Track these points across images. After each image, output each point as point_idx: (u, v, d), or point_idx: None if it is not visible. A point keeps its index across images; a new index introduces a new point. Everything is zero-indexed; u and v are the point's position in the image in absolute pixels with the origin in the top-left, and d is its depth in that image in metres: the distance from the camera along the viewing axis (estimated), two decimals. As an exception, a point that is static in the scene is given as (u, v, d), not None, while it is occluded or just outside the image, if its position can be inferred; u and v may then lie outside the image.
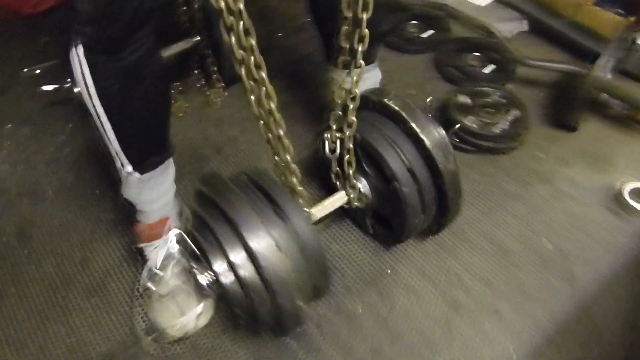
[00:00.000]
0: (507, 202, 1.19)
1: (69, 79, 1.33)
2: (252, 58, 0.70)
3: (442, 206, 0.94)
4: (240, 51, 0.69)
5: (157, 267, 0.99)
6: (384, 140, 0.90)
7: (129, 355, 1.01)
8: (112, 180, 1.28)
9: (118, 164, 0.93)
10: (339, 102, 0.89)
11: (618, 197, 1.16)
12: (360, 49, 0.79)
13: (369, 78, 1.18)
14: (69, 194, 1.30)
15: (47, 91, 1.51)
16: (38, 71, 1.43)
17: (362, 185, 0.98)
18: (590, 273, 1.06)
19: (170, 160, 1.01)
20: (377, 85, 1.22)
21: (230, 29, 0.67)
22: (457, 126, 1.24)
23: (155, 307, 0.99)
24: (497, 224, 1.15)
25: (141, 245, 1.04)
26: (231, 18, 0.66)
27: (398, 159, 0.90)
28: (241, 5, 0.65)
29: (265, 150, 0.86)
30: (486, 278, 1.06)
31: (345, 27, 0.79)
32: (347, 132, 0.90)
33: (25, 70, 1.46)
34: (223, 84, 1.43)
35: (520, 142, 1.28)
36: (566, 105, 1.27)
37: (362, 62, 0.82)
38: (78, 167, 1.36)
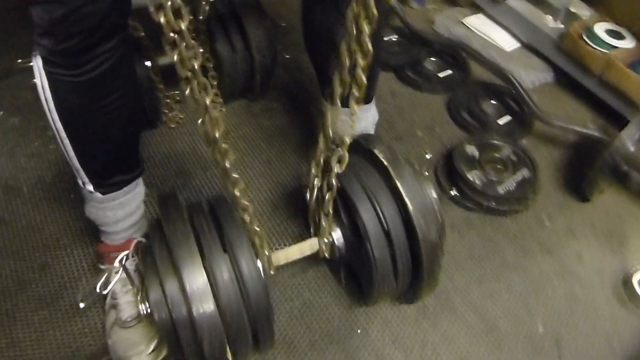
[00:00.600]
0: (503, 272, 1.08)
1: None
2: (196, 81, 0.61)
3: (418, 277, 0.84)
4: (186, 70, 0.60)
5: (115, 294, 0.92)
6: (364, 195, 0.81)
7: (65, 382, 0.93)
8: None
9: (79, 181, 0.87)
10: (323, 148, 0.80)
11: (627, 284, 1.04)
12: (357, 93, 0.70)
13: (364, 119, 1.08)
14: (44, 193, 1.24)
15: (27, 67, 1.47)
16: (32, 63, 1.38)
17: (337, 237, 0.89)
18: (584, 367, 0.95)
19: (139, 181, 0.93)
20: (373, 127, 1.13)
21: (173, 46, 0.58)
22: (452, 192, 1.15)
23: (115, 333, 0.92)
24: (488, 295, 1.04)
25: (103, 267, 0.96)
26: (173, 35, 0.57)
27: (375, 219, 0.80)
28: (183, 26, 0.56)
29: (252, 176, 0.76)
30: (465, 357, 0.95)
31: (338, 69, 0.70)
32: (326, 182, 0.81)
33: (20, 61, 1.41)
34: (221, 100, 1.36)
35: (526, 206, 1.17)
36: (582, 172, 1.16)
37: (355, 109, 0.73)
38: (59, 167, 1.29)
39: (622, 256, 1.11)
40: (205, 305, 0.69)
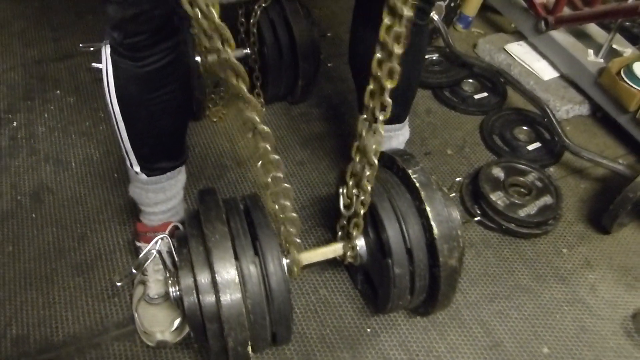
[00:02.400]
0: (515, 292, 1.11)
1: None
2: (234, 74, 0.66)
3: (432, 296, 0.88)
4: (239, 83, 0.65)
5: (146, 271, 0.99)
6: (393, 213, 0.86)
7: (92, 344, 1.00)
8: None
9: (127, 162, 0.94)
10: (358, 162, 0.85)
11: (636, 318, 1.05)
12: (381, 117, 0.74)
13: (396, 137, 1.13)
14: (90, 169, 1.33)
15: (89, 52, 1.57)
16: (92, 48, 1.48)
17: (360, 245, 0.94)
18: (584, 395, 0.97)
19: (182, 168, 1.01)
20: (402, 145, 1.17)
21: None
22: (475, 219, 1.18)
23: (141, 308, 0.99)
24: (497, 313, 1.07)
25: (139, 244, 1.04)
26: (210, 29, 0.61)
27: (400, 237, 0.85)
28: (216, 18, 0.59)
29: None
30: (469, 367, 0.99)
31: (370, 87, 0.74)
32: (362, 198, 0.86)
33: (81, 45, 1.51)
34: (262, 100, 1.43)
35: (545, 232, 1.19)
36: (605, 205, 1.18)
37: (381, 132, 0.77)
38: (105, 147, 1.39)
39: (635, 291, 1.12)
40: (234, 304, 0.75)
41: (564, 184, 1.31)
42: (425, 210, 0.85)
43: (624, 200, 1.11)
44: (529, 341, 1.03)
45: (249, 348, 0.80)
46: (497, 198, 1.20)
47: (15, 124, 1.43)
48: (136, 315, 1.01)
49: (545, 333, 1.05)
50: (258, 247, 0.82)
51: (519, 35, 1.68)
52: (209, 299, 0.78)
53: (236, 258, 0.79)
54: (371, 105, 0.75)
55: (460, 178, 1.30)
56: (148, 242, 1.02)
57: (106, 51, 0.80)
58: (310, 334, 1.03)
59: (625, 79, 1.33)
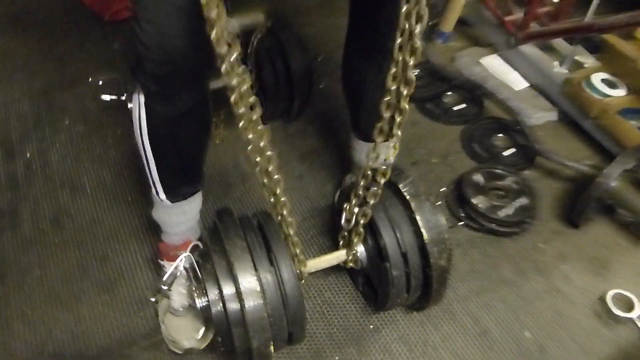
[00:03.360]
0: (500, 286, 1.25)
1: (125, 94, 1.48)
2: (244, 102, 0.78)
3: (426, 293, 1.02)
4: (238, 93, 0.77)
5: (170, 286, 1.10)
6: (388, 222, 0.99)
7: (123, 355, 1.11)
8: (143, 191, 1.42)
9: (153, 191, 1.05)
10: (362, 182, 0.98)
11: (603, 303, 1.20)
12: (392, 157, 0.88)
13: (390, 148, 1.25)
14: (104, 193, 1.44)
15: (100, 87, 1.67)
16: (101, 82, 1.58)
17: (360, 251, 1.07)
18: (562, 372, 1.11)
19: (200, 192, 1.12)
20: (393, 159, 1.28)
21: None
22: (460, 223, 1.32)
23: (167, 320, 1.11)
24: (485, 306, 1.21)
25: (162, 262, 1.15)
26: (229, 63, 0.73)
27: (395, 243, 0.99)
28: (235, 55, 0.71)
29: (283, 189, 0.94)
30: (461, 356, 1.12)
31: (386, 99, 0.85)
32: (364, 213, 0.99)
33: (90, 79, 1.62)
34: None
35: (523, 230, 1.33)
36: (574, 203, 1.32)
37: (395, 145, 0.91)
38: (117, 171, 1.49)
39: (603, 278, 1.27)
40: (256, 309, 0.87)
41: (538, 185, 1.45)
42: (415, 218, 0.98)
43: (588, 198, 1.25)
44: (512, 327, 1.17)
45: (271, 347, 0.92)
46: (479, 201, 1.33)
47: (28, 154, 1.53)
48: (163, 326, 1.12)
49: (526, 319, 1.19)
50: (273, 258, 0.94)
51: (494, 49, 1.82)
52: (234, 306, 0.90)
53: (255, 269, 0.91)
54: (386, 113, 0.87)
55: (444, 188, 1.43)
56: (170, 259, 1.14)
57: (140, 99, 0.91)
58: (320, 333, 1.15)
59: (586, 88, 1.48)
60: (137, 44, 0.82)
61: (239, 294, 0.89)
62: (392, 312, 1.18)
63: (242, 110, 0.78)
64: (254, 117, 0.80)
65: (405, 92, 0.82)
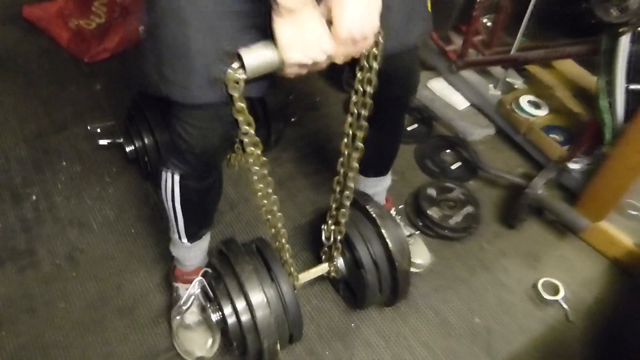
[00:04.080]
0: (454, 282, 1.53)
1: (121, 138, 1.67)
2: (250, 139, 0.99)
3: (395, 291, 1.28)
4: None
5: (186, 305, 1.32)
6: (360, 238, 1.25)
7: (149, 368, 1.33)
8: (146, 222, 1.62)
9: (176, 236, 1.26)
10: (334, 205, 1.23)
11: (535, 288, 1.50)
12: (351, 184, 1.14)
13: (380, 184, 1.47)
14: (110, 228, 1.63)
15: (98, 133, 1.85)
16: (99, 130, 1.77)
17: (340, 263, 1.32)
18: (506, 347, 1.40)
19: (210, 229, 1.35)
20: (384, 191, 1.50)
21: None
22: (416, 232, 1.58)
23: (180, 333, 1.33)
24: (443, 300, 1.48)
25: (176, 284, 1.37)
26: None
27: (368, 254, 1.25)
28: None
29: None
30: (427, 343, 1.39)
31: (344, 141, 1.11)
32: (339, 233, 1.25)
33: (89, 127, 1.79)
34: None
35: (470, 234, 1.61)
36: (509, 208, 1.61)
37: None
38: (119, 207, 1.68)
39: (535, 269, 1.57)
40: (265, 317, 1.12)
41: (481, 194, 1.74)
42: (382, 233, 1.25)
43: (519, 205, 1.54)
44: (465, 315, 1.45)
45: (278, 346, 1.17)
46: (433, 212, 1.61)
47: (34, 197, 1.69)
48: (176, 340, 1.34)
49: (476, 308, 1.47)
50: (273, 276, 1.18)
51: (438, 72, 2.09)
52: (246, 317, 1.14)
53: (261, 286, 1.15)
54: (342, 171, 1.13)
55: (402, 205, 1.69)
56: (184, 282, 1.36)
57: (174, 178, 1.10)
58: (311, 334, 1.40)
59: (515, 109, 1.77)
60: (179, 141, 1.01)
61: (249, 306, 1.13)
62: (369, 311, 1.44)
63: (250, 148, 1.01)
64: (252, 131, 0.99)
65: (360, 135, 1.08)
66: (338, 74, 1.97)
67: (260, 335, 1.13)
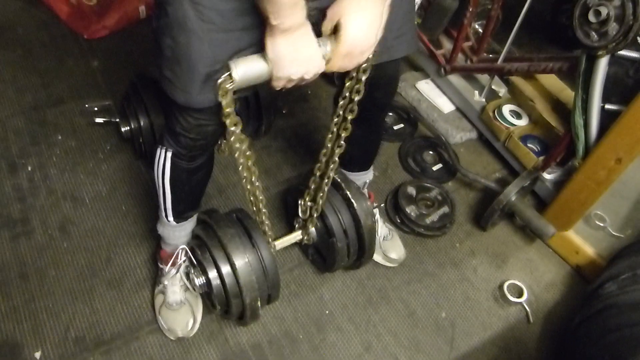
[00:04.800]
0: (424, 277, 1.63)
1: (117, 117, 1.73)
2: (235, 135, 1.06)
3: (362, 250, 1.42)
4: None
5: (170, 284, 1.41)
6: (331, 208, 1.37)
7: (133, 337, 1.41)
8: (137, 201, 1.70)
9: (162, 214, 1.33)
10: (312, 186, 1.34)
11: (501, 289, 1.60)
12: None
13: (362, 179, 1.55)
14: (101, 204, 1.70)
15: (94, 111, 1.91)
16: (96, 108, 1.82)
17: (312, 231, 1.45)
18: (467, 341, 1.51)
19: (197, 214, 1.42)
20: (365, 185, 1.58)
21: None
22: (397, 220, 1.68)
23: (163, 312, 1.41)
24: (413, 293, 1.58)
25: (161, 266, 1.44)
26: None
27: (338, 222, 1.37)
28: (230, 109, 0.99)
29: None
30: (394, 331, 1.49)
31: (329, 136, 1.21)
32: (315, 209, 1.36)
33: (87, 105, 1.85)
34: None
35: (444, 233, 1.71)
36: (483, 211, 1.70)
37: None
38: (111, 183, 1.75)
39: (502, 270, 1.67)
40: (247, 276, 1.22)
41: (457, 195, 1.84)
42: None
43: (492, 210, 1.64)
44: (432, 309, 1.55)
45: (259, 303, 1.27)
46: (411, 210, 1.70)
47: (30, 168, 1.75)
48: (160, 318, 1.43)
49: (443, 303, 1.57)
50: (253, 240, 1.27)
51: (426, 74, 2.17)
52: (230, 278, 1.23)
53: (242, 249, 1.24)
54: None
55: (383, 204, 1.78)
56: (169, 264, 1.43)
57: (167, 155, 1.17)
58: (287, 317, 1.49)
59: (497, 117, 1.86)
60: (176, 125, 1.09)
61: (232, 268, 1.22)
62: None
63: (236, 145, 1.09)
64: (238, 130, 1.05)
65: (343, 135, 1.17)
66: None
67: (243, 293, 1.22)
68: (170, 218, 1.32)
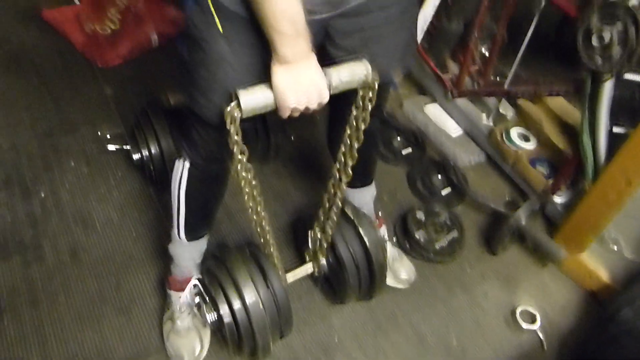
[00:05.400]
0: (435, 302, 1.61)
1: (128, 144, 1.76)
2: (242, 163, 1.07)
3: (372, 284, 1.41)
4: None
5: (178, 310, 1.41)
6: (343, 242, 1.37)
7: (141, 365, 1.41)
8: (147, 227, 1.71)
9: (175, 231, 1.34)
10: (322, 217, 1.33)
11: (513, 315, 1.57)
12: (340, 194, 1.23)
13: (366, 193, 1.57)
14: (112, 229, 1.71)
15: (107, 138, 1.94)
16: (108, 135, 1.86)
17: (323, 262, 1.44)
18: (479, 369, 1.48)
19: (208, 234, 1.42)
20: (371, 201, 1.59)
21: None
22: (406, 245, 1.67)
23: (172, 338, 1.41)
24: (423, 318, 1.56)
25: (169, 291, 1.44)
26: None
27: (350, 257, 1.36)
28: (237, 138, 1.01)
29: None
30: (405, 358, 1.47)
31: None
32: (326, 240, 1.35)
33: (100, 132, 1.88)
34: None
35: (454, 257, 1.70)
36: (493, 235, 1.69)
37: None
38: (122, 209, 1.77)
39: (514, 295, 1.65)
40: (259, 314, 1.21)
41: (467, 219, 1.82)
42: (359, 231, 1.36)
43: (502, 234, 1.62)
44: (443, 335, 1.53)
45: (271, 340, 1.26)
46: (420, 235, 1.69)
47: (42, 194, 1.78)
48: (168, 344, 1.42)
49: (454, 329, 1.55)
50: (265, 276, 1.26)
51: (434, 97, 2.18)
52: (242, 316, 1.22)
53: (255, 287, 1.24)
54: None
55: (391, 225, 1.78)
56: (177, 290, 1.43)
57: (185, 165, 1.21)
58: (296, 345, 1.47)
59: (505, 140, 1.86)
60: (196, 138, 1.15)
61: (245, 307, 1.22)
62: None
63: (242, 174, 1.09)
64: (244, 159, 1.06)
65: (350, 163, 1.17)
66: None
67: (255, 331, 1.22)
68: (182, 235, 1.33)
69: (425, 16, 1.99)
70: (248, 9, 0.89)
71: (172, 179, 1.26)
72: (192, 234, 1.35)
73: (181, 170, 1.23)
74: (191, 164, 1.21)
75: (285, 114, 0.95)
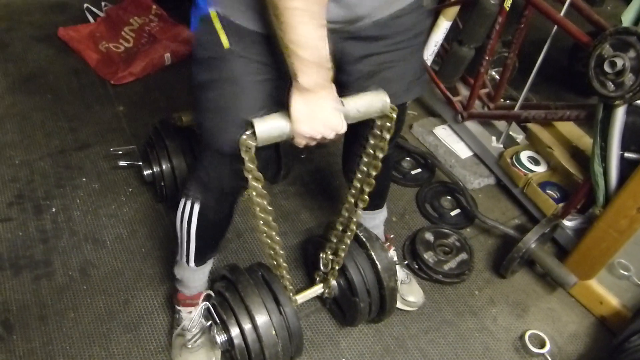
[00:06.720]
0: (442, 326, 1.60)
1: (140, 160, 1.77)
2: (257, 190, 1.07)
3: (383, 309, 1.41)
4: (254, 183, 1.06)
5: (189, 327, 1.40)
6: (355, 266, 1.37)
7: (148, 384, 1.41)
8: (156, 243, 1.71)
9: (183, 259, 1.34)
10: (334, 240, 1.33)
11: (522, 339, 1.56)
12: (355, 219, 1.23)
13: (378, 217, 1.57)
14: (122, 246, 1.72)
15: (119, 155, 1.96)
16: (120, 152, 1.88)
17: (333, 284, 1.44)
18: (487, 394, 1.47)
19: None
20: (382, 224, 1.60)
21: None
22: (414, 266, 1.67)
23: (183, 355, 1.41)
24: (431, 342, 1.55)
25: (179, 307, 1.45)
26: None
27: (362, 282, 1.36)
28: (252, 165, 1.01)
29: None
30: (412, 382, 1.46)
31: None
32: (337, 263, 1.35)
33: (112, 149, 1.90)
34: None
35: (462, 280, 1.69)
36: (502, 258, 1.68)
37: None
38: (132, 226, 1.78)
39: (522, 320, 1.63)
40: (270, 336, 1.21)
41: (476, 241, 1.82)
42: (371, 253, 1.35)
43: (512, 258, 1.62)
44: (450, 359, 1.52)
45: None
46: (429, 257, 1.68)
47: (54, 209, 1.80)
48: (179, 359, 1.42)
49: (462, 353, 1.54)
50: (276, 298, 1.26)
51: (444, 119, 2.19)
52: (252, 339, 1.22)
53: (267, 310, 1.23)
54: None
55: (400, 247, 1.78)
56: (186, 306, 1.44)
57: (194, 208, 1.21)
58: (304, 364, 1.47)
59: (515, 163, 1.86)
60: (205, 180, 1.15)
61: (255, 329, 1.22)
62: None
63: (257, 199, 1.09)
64: (260, 186, 1.06)
65: (367, 190, 1.17)
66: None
67: (266, 354, 1.21)
68: (192, 263, 1.33)
69: (436, 40, 2.01)
70: (267, 27, 0.89)
71: (179, 216, 1.25)
72: (202, 260, 1.36)
73: (189, 212, 1.22)
74: (201, 207, 1.21)
75: (302, 143, 0.95)
